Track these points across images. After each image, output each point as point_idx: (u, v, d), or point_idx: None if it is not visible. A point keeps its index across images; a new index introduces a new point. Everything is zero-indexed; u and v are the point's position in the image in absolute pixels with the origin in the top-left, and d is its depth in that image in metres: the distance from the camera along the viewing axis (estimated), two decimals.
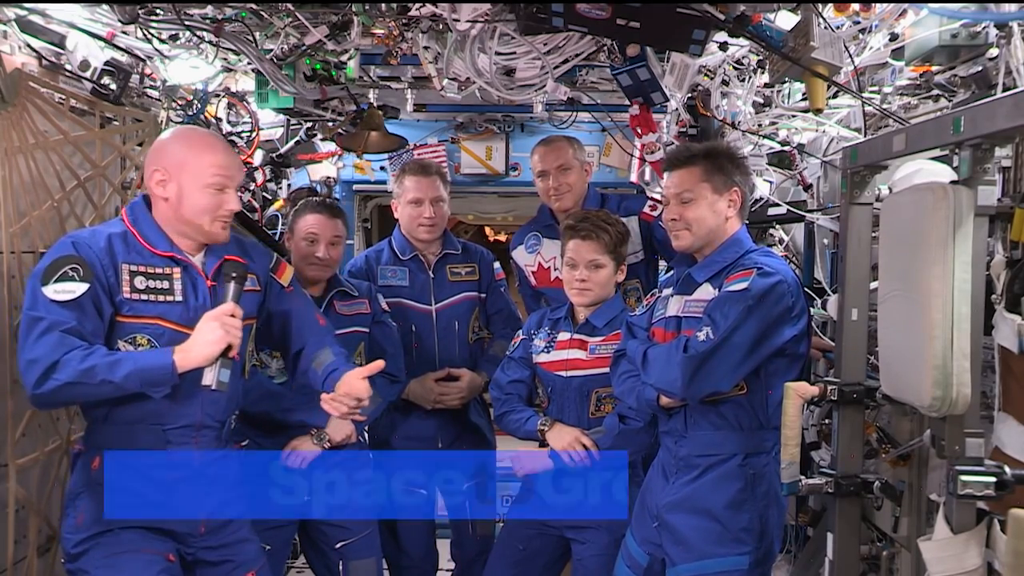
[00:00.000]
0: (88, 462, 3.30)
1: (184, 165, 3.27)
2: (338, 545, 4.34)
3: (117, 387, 3.05)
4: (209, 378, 3.20)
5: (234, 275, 3.32)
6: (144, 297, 3.22)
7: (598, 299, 4.17)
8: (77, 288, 3.08)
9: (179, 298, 3.28)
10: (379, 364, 3.46)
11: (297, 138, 6.26)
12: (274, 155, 6.25)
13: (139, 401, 3.18)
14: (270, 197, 6.38)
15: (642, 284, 4.77)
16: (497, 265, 5.20)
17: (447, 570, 5.26)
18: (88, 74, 4.13)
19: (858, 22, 3.55)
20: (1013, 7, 3.00)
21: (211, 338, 3.16)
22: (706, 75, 4.40)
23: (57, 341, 3.01)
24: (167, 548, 3.28)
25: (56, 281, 3.06)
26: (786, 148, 4.80)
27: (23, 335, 3.06)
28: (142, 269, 3.23)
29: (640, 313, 3.93)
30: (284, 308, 3.67)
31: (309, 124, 6.10)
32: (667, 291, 3.82)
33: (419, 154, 6.75)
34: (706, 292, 3.58)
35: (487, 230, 11.10)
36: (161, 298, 3.25)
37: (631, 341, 3.81)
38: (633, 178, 6.55)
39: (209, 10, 3.84)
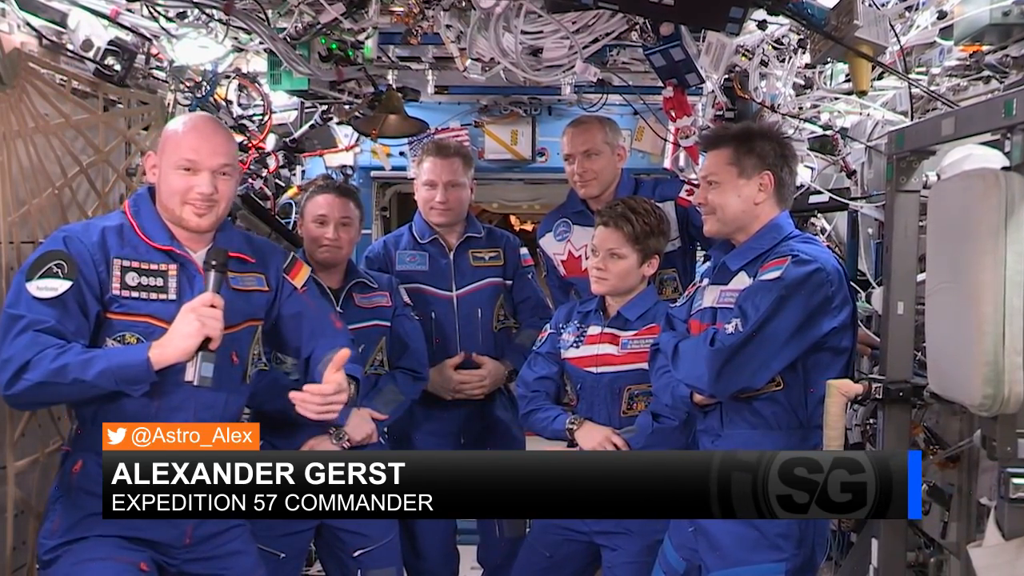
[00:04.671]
0: (70, 466, 3.30)
1: (164, 146, 3.33)
2: (356, 553, 4.30)
3: (90, 386, 3.04)
4: (190, 373, 3.15)
5: (213, 263, 3.28)
6: (136, 294, 3.23)
7: (615, 290, 4.16)
8: (60, 285, 3.10)
9: (173, 296, 3.28)
10: (345, 353, 3.37)
11: (312, 122, 6.26)
12: (288, 140, 6.24)
13: (126, 402, 3.17)
14: (283, 184, 6.38)
15: (679, 273, 4.74)
16: (524, 251, 5.19)
17: None
18: (91, 54, 4.14)
19: None
20: None
21: (188, 330, 3.10)
22: (744, 55, 4.39)
23: (31, 340, 3.02)
24: (141, 557, 3.25)
25: (40, 277, 3.09)
26: (828, 132, 4.80)
27: (1, 332, 3.08)
28: (135, 265, 3.24)
29: (680, 304, 3.92)
30: (296, 311, 3.65)
31: (324, 107, 6.10)
32: (706, 281, 3.82)
33: (441, 138, 6.68)
34: (742, 282, 3.56)
35: (512, 219, 11.10)
36: (154, 296, 3.26)
37: (665, 334, 3.80)
38: (667, 164, 6.53)
39: None
